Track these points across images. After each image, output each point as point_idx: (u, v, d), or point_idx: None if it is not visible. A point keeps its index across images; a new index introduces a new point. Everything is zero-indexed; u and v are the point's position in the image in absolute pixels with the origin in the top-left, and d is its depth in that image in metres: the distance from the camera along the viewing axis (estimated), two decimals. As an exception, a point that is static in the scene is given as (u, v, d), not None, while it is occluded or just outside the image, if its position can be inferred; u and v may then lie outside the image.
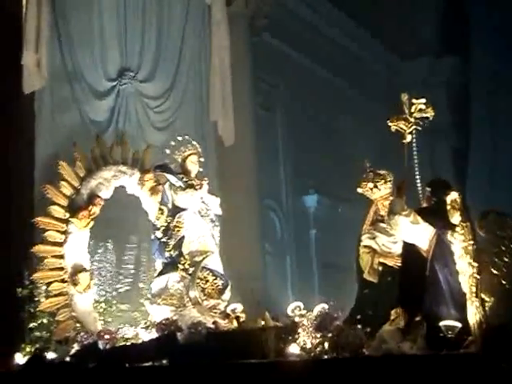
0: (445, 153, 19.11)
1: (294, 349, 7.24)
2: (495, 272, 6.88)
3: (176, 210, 8.86)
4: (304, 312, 7.77)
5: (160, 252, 8.82)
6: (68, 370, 7.63)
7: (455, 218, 6.99)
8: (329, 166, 15.52)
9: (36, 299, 8.72)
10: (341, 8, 16.80)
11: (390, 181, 8.37)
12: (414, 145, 7.67)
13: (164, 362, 7.47)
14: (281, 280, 14.47)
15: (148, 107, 11.38)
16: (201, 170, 9.19)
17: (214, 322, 8.26)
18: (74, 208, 8.98)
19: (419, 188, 7.76)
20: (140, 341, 8.16)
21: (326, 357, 7.06)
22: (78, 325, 8.65)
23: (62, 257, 8.81)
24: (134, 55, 11.29)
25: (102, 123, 10.75)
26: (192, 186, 8.89)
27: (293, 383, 6.64)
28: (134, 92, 11.24)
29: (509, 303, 6.81)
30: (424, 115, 7.62)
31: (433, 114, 7.59)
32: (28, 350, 8.50)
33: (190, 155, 9.09)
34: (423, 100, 7.62)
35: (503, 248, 6.95)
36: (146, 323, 8.62)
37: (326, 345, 7.16)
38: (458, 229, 6.92)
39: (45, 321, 8.70)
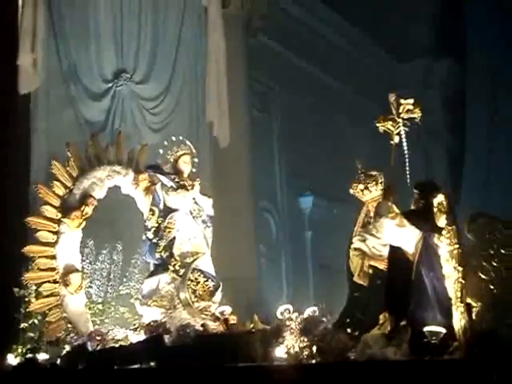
0: (440, 154, 19.00)
1: (279, 353, 7.16)
2: (483, 276, 6.72)
3: (167, 211, 8.77)
4: (292, 315, 7.69)
5: (150, 253, 8.74)
6: (58, 373, 7.65)
7: (441, 220, 6.84)
8: (325, 168, 15.45)
9: (27, 300, 8.68)
10: (337, 10, 16.78)
11: (381, 182, 8.24)
12: (405, 145, 7.53)
13: (152, 364, 7.47)
14: (276, 281, 14.47)
15: (144, 108, 11.43)
16: (194, 170, 9.10)
17: (203, 325, 8.17)
18: (66, 208, 8.89)
19: (410, 189, 7.60)
20: (128, 343, 8.10)
21: (309, 361, 6.98)
22: (69, 326, 8.58)
23: (53, 257, 8.71)
24: (129, 56, 11.35)
25: (97, 124, 10.81)
26: (184, 187, 8.81)
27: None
28: (130, 93, 11.29)
29: (496, 309, 6.66)
30: (411, 116, 7.49)
31: (420, 114, 7.46)
32: (20, 350, 8.46)
33: (182, 155, 9.00)
34: (411, 100, 7.49)
35: (492, 252, 6.77)
36: (134, 325, 8.55)
37: (311, 349, 7.07)
38: (444, 232, 6.78)
39: (36, 321, 8.66)
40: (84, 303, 8.83)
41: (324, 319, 7.52)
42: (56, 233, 8.80)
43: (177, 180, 8.86)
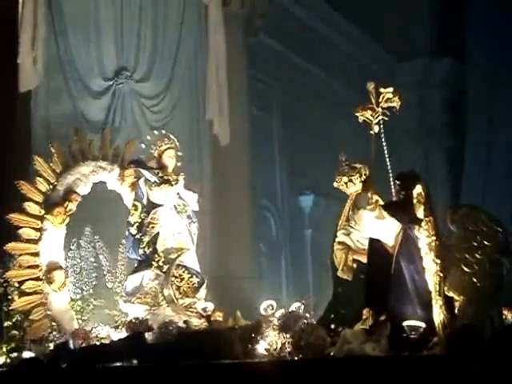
0: (440, 153, 18.82)
1: (259, 349, 7.04)
2: (466, 269, 6.53)
3: (151, 206, 8.62)
4: (276, 311, 7.57)
5: (134, 249, 8.58)
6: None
7: (421, 211, 6.66)
8: (324, 166, 15.23)
9: (10, 297, 8.56)
10: (337, 9, 16.67)
11: (365, 174, 8.05)
12: (383, 136, 7.33)
13: (134, 362, 7.35)
14: (276, 280, 14.37)
15: (144, 106, 11.38)
16: (179, 164, 8.95)
17: (186, 322, 8.02)
18: (49, 204, 8.75)
19: (391, 181, 7.42)
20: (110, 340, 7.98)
21: (290, 357, 6.84)
22: (53, 324, 8.44)
23: (36, 254, 8.55)
24: (130, 55, 11.31)
25: (98, 122, 10.74)
26: (168, 182, 8.64)
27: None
28: (130, 91, 11.24)
29: (479, 303, 6.46)
30: (391, 104, 7.29)
31: (399, 103, 7.25)
32: (4, 349, 8.35)
33: (166, 149, 8.83)
34: (390, 89, 7.30)
35: (475, 244, 6.57)
36: (116, 322, 8.41)
37: (293, 345, 6.94)
38: (422, 224, 6.59)
39: (19, 319, 8.54)
40: (68, 301, 8.70)
41: (307, 315, 7.40)
42: (39, 229, 8.65)
43: (160, 175, 8.69)
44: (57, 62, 10.59)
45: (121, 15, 11.20)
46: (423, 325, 6.32)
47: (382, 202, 7.29)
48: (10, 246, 8.53)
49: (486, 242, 6.59)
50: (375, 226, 6.83)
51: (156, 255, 8.48)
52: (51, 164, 8.91)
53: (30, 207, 8.70)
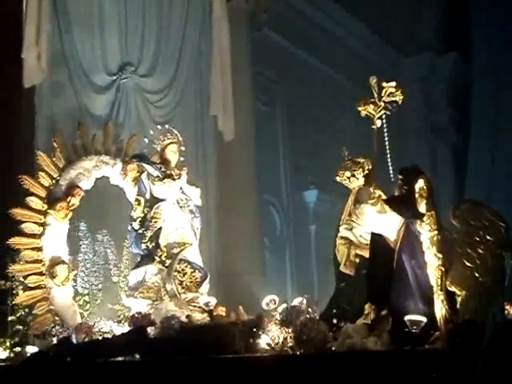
0: (445, 151, 18.79)
1: (261, 343, 7.04)
2: (468, 264, 6.50)
3: (154, 201, 8.61)
4: (278, 306, 7.56)
5: (136, 244, 8.58)
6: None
7: (423, 206, 6.64)
8: (329, 162, 15.22)
9: (14, 292, 8.56)
10: (342, 4, 16.58)
11: (368, 169, 8.04)
12: (385, 130, 7.31)
13: (136, 356, 7.34)
14: (280, 275, 14.33)
15: (148, 102, 11.33)
16: (182, 159, 8.94)
17: (188, 316, 8.01)
18: (52, 199, 8.75)
19: (392, 176, 7.40)
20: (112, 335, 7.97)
21: (292, 352, 6.84)
22: (57, 318, 8.46)
23: (39, 249, 8.56)
24: (134, 50, 11.24)
25: (102, 117, 10.68)
26: (170, 176, 8.63)
27: (253, 379, 6.43)
28: (135, 86, 11.19)
29: (481, 297, 6.44)
30: (393, 99, 7.27)
31: (402, 97, 7.24)
32: (8, 344, 8.35)
33: (169, 144, 8.82)
34: (393, 83, 7.28)
35: (477, 239, 6.54)
36: (119, 316, 8.42)
37: (294, 340, 6.93)
38: (424, 218, 6.58)
39: (23, 314, 8.55)
40: (71, 295, 8.71)
41: (309, 309, 7.38)
42: (42, 224, 8.66)
43: (163, 169, 8.69)
44: (61, 57, 10.53)
45: (125, 10, 11.15)
46: (425, 319, 6.31)
47: (384, 197, 7.29)
48: (14, 241, 8.54)
49: (488, 237, 6.56)
50: (377, 220, 6.83)
51: (159, 250, 8.47)
52: (54, 159, 8.94)
53: (33, 202, 8.70)
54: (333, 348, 6.74)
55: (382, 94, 7.27)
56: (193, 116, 11.80)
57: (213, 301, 8.24)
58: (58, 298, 8.55)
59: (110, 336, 7.87)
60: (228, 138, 11.65)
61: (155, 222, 8.54)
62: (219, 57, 11.73)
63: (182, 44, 11.85)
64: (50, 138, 9.55)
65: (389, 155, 7.40)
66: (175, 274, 8.43)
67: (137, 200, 8.71)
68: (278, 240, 15.05)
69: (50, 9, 10.15)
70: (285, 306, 7.39)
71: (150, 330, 7.65)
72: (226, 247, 11.71)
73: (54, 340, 8.04)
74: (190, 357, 6.83)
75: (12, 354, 8.11)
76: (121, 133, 10.08)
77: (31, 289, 8.48)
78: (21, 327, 8.46)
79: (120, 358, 7.27)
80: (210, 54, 11.83)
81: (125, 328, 7.91)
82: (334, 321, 7.31)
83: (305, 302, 7.57)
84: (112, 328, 8.05)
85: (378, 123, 7.32)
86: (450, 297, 6.44)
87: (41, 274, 8.53)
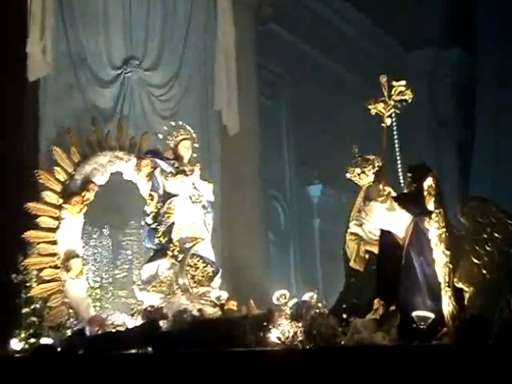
0: (450, 146, 18.77)
1: (271, 337, 7.14)
2: (476, 261, 6.60)
3: (167, 196, 8.72)
4: (289, 300, 7.65)
5: (149, 238, 8.70)
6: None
7: (431, 203, 6.73)
8: (333, 156, 15.29)
9: (28, 285, 8.69)
10: (347, -2, 16.62)
11: (378, 166, 8.12)
12: (395, 128, 7.40)
13: (148, 349, 7.46)
14: (284, 268, 14.43)
15: (153, 95, 11.31)
16: (194, 155, 9.06)
17: (200, 310, 8.13)
18: (67, 194, 8.89)
19: (400, 173, 7.49)
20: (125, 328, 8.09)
21: (302, 346, 6.94)
22: (70, 311, 8.59)
23: (54, 243, 8.70)
24: (138, 43, 11.21)
25: (106, 111, 10.68)
26: (183, 172, 8.75)
27: (264, 372, 6.53)
28: (139, 80, 11.18)
29: (488, 294, 6.53)
30: (403, 97, 7.35)
31: (411, 96, 7.31)
32: (22, 335, 8.48)
33: (182, 140, 8.94)
34: (403, 82, 7.36)
35: (485, 236, 6.65)
36: (132, 309, 8.54)
37: (304, 334, 7.03)
38: (433, 215, 6.66)
39: (38, 306, 8.68)
40: (85, 288, 8.85)
41: (319, 304, 7.47)
42: (57, 218, 8.80)
43: (176, 165, 8.81)
44: (65, 51, 10.53)
45: (129, 3, 11.12)
46: (432, 315, 6.40)
47: (393, 194, 7.37)
48: (29, 234, 8.68)
49: (496, 234, 6.66)
50: (386, 217, 6.91)
51: (171, 245, 8.58)
52: (69, 154, 9.06)
53: (49, 196, 8.85)
54: (342, 342, 6.84)
55: (392, 93, 7.36)
56: (197, 110, 11.75)
57: (224, 295, 8.36)
58: (72, 291, 8.69)
59: (123, 329, 8.03)
60: (232, 132, 11.69)
61: (168, 217, 8.66)
62: (224, 51, 11.75)
63: (187, 38, 11.78)
64: (55, 133, 9.69)
65: (398, 153, 7.48)
66: (187, 268, 8.54)
67: (150, 195, 8.82)
68: (282, 234, 15.11)
69: (55, 3, 10.16)
70: (295, 300, 7.49)
71: (163, 324, 7.79)
72: (230, 242, 11.73)
73: (68, 332, 8.18)
74: (201, 350, 6.97)
75: (27, 346, 8.25)
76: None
77: (46, 282, 8.62)
78: (35, 319, 8.60)
79: (133, 351, 7.45)
80: (214, 48, 11.82)
81: (138, 321, 8.06)
82: (344, 316, 7.41)
83: (315, 296, 7.69)
84: (125, 321, 8.18)
85: (388, 121, 7.41)
86: (457, 293, 6.54)
87: (56, 267, 8.67)
